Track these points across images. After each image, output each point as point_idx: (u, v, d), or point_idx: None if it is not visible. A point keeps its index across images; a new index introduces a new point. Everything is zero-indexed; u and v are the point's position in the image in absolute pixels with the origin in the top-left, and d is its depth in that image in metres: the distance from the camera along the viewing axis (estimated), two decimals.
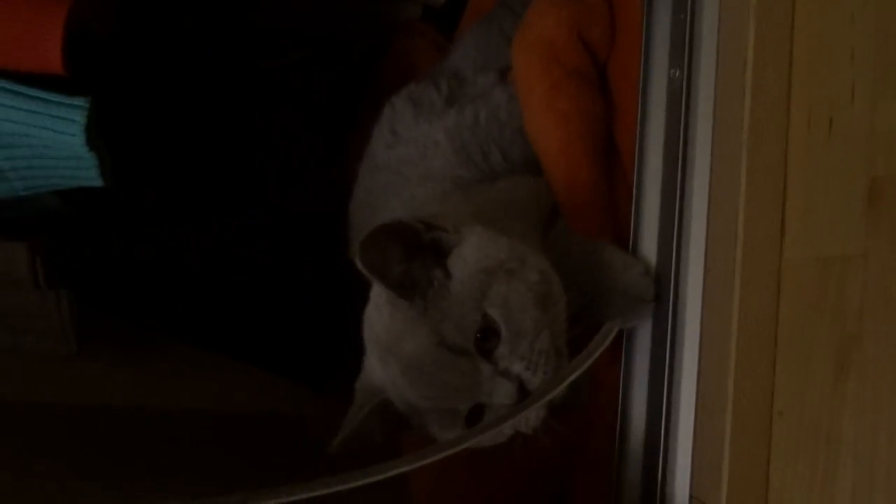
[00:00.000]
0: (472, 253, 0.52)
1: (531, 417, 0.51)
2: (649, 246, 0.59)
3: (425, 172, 0.76)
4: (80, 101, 0.66)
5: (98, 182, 0.70)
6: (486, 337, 0.51)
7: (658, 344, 0.57)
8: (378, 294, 0.54)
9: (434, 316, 0.51)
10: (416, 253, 0.52)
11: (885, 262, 0.45)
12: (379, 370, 0.54)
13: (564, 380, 0.51)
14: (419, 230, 0.52)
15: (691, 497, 0.54)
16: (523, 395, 0.50)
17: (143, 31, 0.79)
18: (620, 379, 0.60)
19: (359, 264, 0.49)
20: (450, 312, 0.51)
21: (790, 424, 0.50)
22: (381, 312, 0.53)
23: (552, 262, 0.55)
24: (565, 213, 0.66)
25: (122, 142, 0.72)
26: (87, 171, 0.69)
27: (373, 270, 0.50)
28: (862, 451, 0.44)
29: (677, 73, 0.60)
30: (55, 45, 0.63)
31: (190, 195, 0.90)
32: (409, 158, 0.77)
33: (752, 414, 0.51)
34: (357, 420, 0.54)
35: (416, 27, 1.08)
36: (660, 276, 0.58)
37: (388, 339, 0.52)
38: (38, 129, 0.66)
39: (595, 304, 0.57)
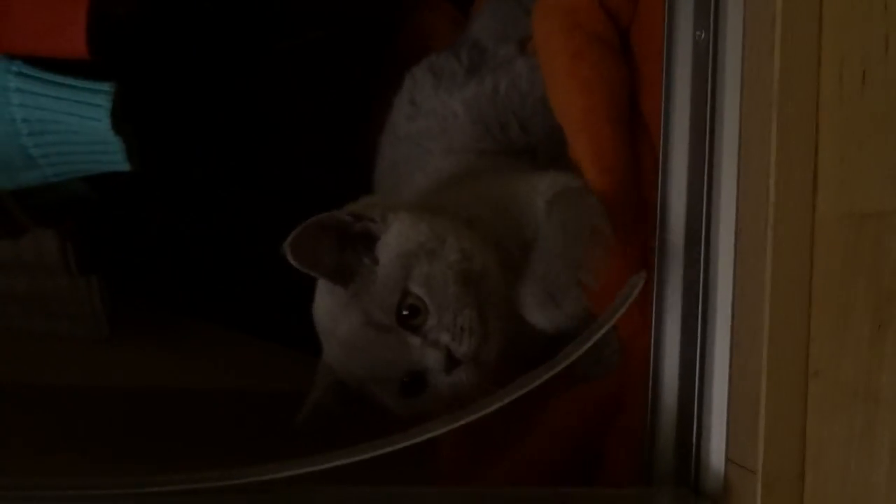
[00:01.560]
0: (394, 238, 0.58)
1: (464, 379, 0.56)
2: (678, 209, 0.59)
3: (448, 146, 0.76)
4: (104, 87, 0.67)
5: (125, 166, 0.71)
6: (413, 313, 0.56)
7: (689, 307, 0.57)
8: (321, 282, 0.60)
9: (363, 298, 0.57)
10: (347, 242, 0.58)
11: None
12: (326, 350, 0.61)
13: (600, 329, 0.56)
14: (347, 222, 0.58)
15: (727, 460, 0.54)
16: (452, 362, 0.56)
17: (165, 13, 0.79)
18: (651, 343, 0.59)
19: (289, 258, 0.55)
20: (375, 294, 0.57)
21: (826, 383, 0.49)
22: (322, 299, 0.60)
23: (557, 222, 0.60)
24: (590, 181, 0.66)
25: (148, 126, 0.73)
26: (114, 156, 0.70)
27: (302, 262, 0.56)
28: None
29: (703, 35, 0.59)
30: (79, 30, 0.63)
31: (215, 177, 0.90)
32: (430, 132, 0.77)
33: (787, 374, 0.50)
34: (314, 398, 0.60)
35: (432, 3, 1.07)
36: (690, 239, 0.57)
37: (328, 321, 0.59)
38: (65, 116, 0.67)
39: None
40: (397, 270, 0.57)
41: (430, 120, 0.77)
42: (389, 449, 0.49)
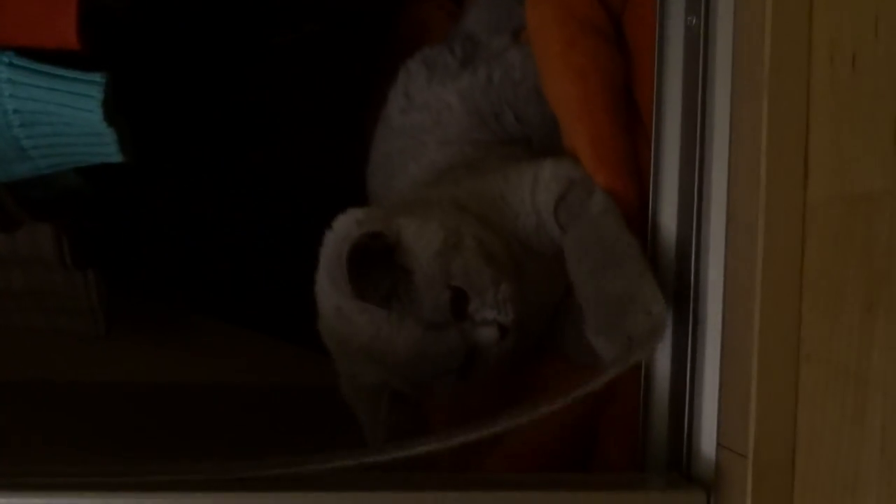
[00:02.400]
0: (416, 244, 0.59)
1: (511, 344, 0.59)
2: (670, 197, 0.59)
3: (442, 137, 0.76)
4: (96, 77, 0.67)
5: (118, 158, 0.71)
6: (459, 305, 0.58)
7: (682, 292, 0.57)
8: (338, 307, 0.60)
9: (412, 308, 0.58)
10: (372, 264, 0.58)
11: None
12: (372, 372, 0.60)
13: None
14: (371, 242, 0.57)
15: (719, 445, 0.54)
16: (504, 332, 0.59)
17: (158, 4, 0.79)
18: None
19: (357, 296, 0.56)
20: (424, 300, 0.58)
21: (818, 367, 0.49)
22: (352, 323, 0.59)
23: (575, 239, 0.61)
24: (588, 170, 0.66)
25: (142, 117, 0.73)
26: (106, 147, 0.70)
27: (367, 297, 0.57)
28: (891, 389, 0.44)
29: (694, 21, 0.59)
30: (70, 21, 0.63)
31: (210, 169, 0.90)
32: (424, 125, 0.77)
33: (778, 358, 0.50)
34: (384, 421, 0.59)
35: None
36: (682, 226, 0.57)
37: (378, 343, 0.59)
38: (57, 107, 0.67)
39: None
40: (436, 272, 0.58)
41: (424, 112, 0.77)
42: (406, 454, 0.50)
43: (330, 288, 0.60)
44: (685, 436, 0.56)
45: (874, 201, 0.46)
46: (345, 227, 0.60)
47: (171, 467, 0.49)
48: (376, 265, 0.57)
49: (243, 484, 0.49)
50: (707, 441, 0.54)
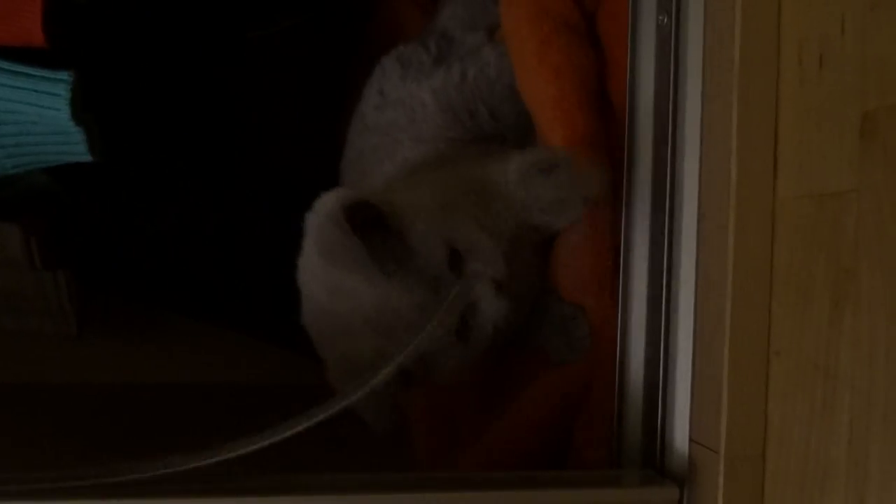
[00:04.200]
0: (408, 207, 0.60)
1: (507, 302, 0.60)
2: (643, 194, 0.59)
3: (416, 135, 0.76)
4: (63, 75, 0.65)
5: (86, 157, 0.70)
6: (455, 263, 0.59)
7: (655, 290, 0.57)
8: (335, 286, 0.60)
9: (410, 268, 0.58)
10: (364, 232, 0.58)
11: (879, 194, 0.44)
12: (373, 343, 0.60)
13: None
14: (361, 213, 0.58)
15: (691, 441, 0.55)
16: (500, 288, 0.59)
17: None
18: (618, 327, 0.60)
19: (360, 256, 0.56)
20: (420, 259, 0.58)
21: (788, 362, 0.50)
22: (355, 298, 0.59)
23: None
24: None
25: (112, 115, 0.72)
26: (75, 147, 0.69)
27: (377, 261, 0.57)
28: (859, 384, 0.45)
29: (665, 20, 0.59)
30: (35, 17, 0.62)
31: (182, 166, 0.89)
32: (398, 122, 0.76)
33: (749, 354, 0.51)
34: (388, 396, 0.59)
35: None
36: (655, 224, 0.58)
37: (381, 308, 0.59)
38: (23, 105, 0.66)
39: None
40: (430, 232, 0.59)
41: (398, 110, 0.77)
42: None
43: (323, 269, 0.60)
44: (659, 432, 0.56)
45: (841, 199, 0.46)
46: (330, 202, 0.58)
47: (131, 466, 0.48)
48: (370, 231, 0.57)
49: (233, 488, 0.49)
50: (680, 437, 0.55)
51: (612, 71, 0.68)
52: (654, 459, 0.57)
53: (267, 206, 0.92)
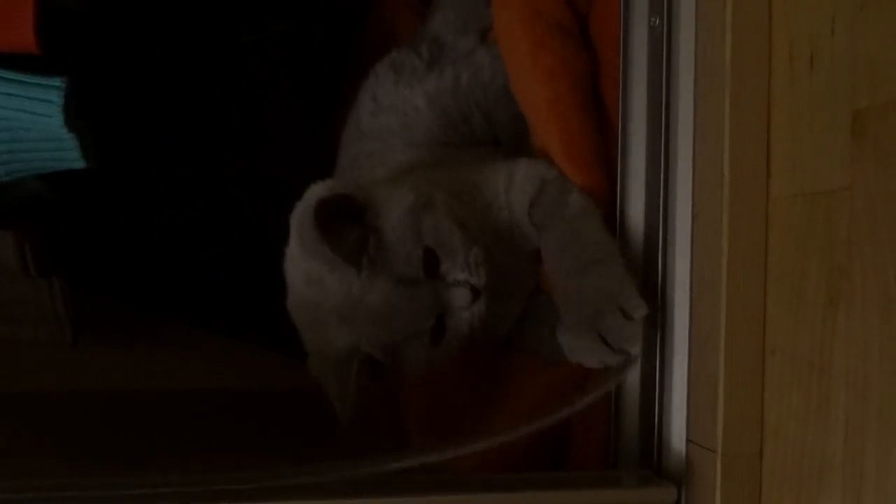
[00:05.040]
0: (387, 204, 0.60)
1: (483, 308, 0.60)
2: (637, 194, 0.59)
3: (409, 139, 0.76)
4: (56, 82, 0.65)
5: (80, 164, 0.69)
6: (430, 263, 0.59)
7: (650, 292, 0.57)
8: (307, 272, 0.60)
9: (383, 265, 0.58)
10: (343, 223, 0.59)
11: (871, 192, 0.45)
12: (344, 335, 0.60)
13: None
14: (347, 201, 0.59)
15: (688, 440, 0.55)
16: (476, 294, 0.59)
17: (116, 4, 0.78)
18: None
19: (326, 250, 0.56)
20: (395, 256, 0.58)
21: (783, 360, 0.50)
22: (322, 285, 0.60)
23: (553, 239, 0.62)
24: (561, 169, 0.66)
25: (105, 121, 0.72)
26: (68, 153, 0.69)
27: (333, 246, 0.57)
28: (854, 381, 0.45)
29: (657, 21, 0.60)
30: (27, 23, 0.62)
31: (176, 172, 0.89)
32: (392, 127, 0.76)
33: (745, 353, 0.51)
34: (352, 386, 0.58)
35: None
36: (649, 223, 0.58)
37: (350, 301, 0.59)
38: (16, 112, 0.66)
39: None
40: (407, 230, 0.59)
41: (391, 115, 0.77)
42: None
43: (300, 254, 0.60)
44: (656, 432, 0.56)
45: (834, 197, 0.47)
46: (314, 193, 0.60)
47: (138, 481, 0.48)
48: (346, 225, 0.58)
49: (237, 494, 0.49)
50: (677, 437, 0.55)
51: (605, 72, 0.68)
52: (651, 459, 0.57)
53: (261, 211, 0.91)
